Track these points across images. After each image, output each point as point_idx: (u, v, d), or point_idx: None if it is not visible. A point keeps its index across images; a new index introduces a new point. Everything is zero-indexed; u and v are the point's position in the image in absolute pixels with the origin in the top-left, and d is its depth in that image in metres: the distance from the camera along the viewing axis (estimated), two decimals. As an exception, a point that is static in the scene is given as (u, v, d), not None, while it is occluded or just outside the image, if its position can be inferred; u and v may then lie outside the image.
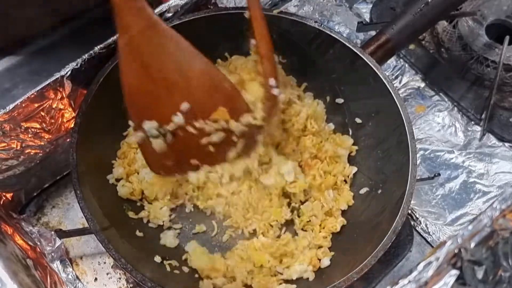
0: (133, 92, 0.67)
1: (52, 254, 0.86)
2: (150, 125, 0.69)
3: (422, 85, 1.11)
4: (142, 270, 0.70)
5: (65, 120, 0.84)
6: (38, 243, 0.85)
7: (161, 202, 0.87)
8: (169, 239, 0.85)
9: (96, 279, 0.88)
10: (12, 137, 0.78)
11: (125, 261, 0.70)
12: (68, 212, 0.94)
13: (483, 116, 1.03)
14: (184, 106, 0.67)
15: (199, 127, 0.69)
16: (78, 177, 0.75)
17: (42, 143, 0.83)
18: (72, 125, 0.81)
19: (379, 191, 0.83)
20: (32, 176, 0.89)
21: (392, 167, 0.81)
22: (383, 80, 0.80)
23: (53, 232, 0.86)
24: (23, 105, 0.75)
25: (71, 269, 0.87)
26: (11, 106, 0.74)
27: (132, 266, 0.69)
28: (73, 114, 0.84)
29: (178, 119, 0.69)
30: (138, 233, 0.85)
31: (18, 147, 0.81)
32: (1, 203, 0.85)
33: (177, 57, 0.65)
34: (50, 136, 0.84)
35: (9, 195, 0.86)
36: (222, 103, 0.68)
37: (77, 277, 0.87)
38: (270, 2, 1.20)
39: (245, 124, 0.70)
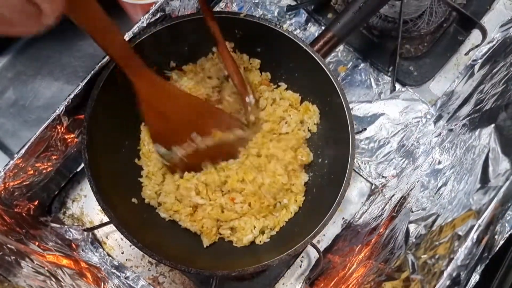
0: (155, 129, 0.92)
1: (84, 242, 1.01)
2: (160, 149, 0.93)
3: (342, 47, 1.22)
4: (160, 252, 0.84)
5: (68, 141, 0.95)
6: (70, 237, 1.00)
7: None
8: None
9: (122, 252, 1.05)
10: (29, 169, 0.88)
11: (142, 245, 0.83)
12: (86, 202, 1.07)
13: (391, 68, 1.18)
14: (193, 135, 0.92)
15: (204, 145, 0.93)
16: (92, 174, 0.85)
17: (53, 162, 0.95)
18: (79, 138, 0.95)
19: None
20: (51, 183, 1.00)
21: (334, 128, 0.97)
22: (326, 71, 0.94)
23: (80, 226, 1.03)
24: (32, 146, 0.84)
25: (101, 249, 1.03)
26: (22, 151, 0.83)
27: (152, 251, 0.83)
28: (73, 135, 0.95)
29: (189, 145, 0.93)
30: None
31: (36, 173, 0.91)
32: (31, 212, 0.96)
33: (179, 103, 0.89)
34: (58, 156, 0.95)
35: (35, 203, 0.98)
36: (217, 125, 0.92)
37: (108, 254, 1.03)
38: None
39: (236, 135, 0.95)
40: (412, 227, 0.75)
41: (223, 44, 0.90)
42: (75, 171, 1.06)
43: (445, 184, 0.79)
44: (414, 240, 0.71)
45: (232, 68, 0.92)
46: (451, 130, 0.95)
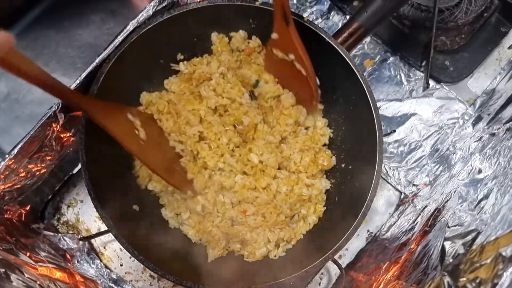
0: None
1: (79, 252, 1.00)
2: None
3: (368, 39, 1.19)
4: (163, 266, 0.84)
5: (63, 141, 0.95)
6: (64, 247, 0.99)
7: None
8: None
9: (121, 264, 1.04)
10: (21, 171, 0.88)
11: (143, 258, 0.83)
12: (83, 208, 1.07)
13: (424, 63, 1.15)
14: None
15: None
16: (90, 177, 0.84)
17: (47, 164, 0.95)
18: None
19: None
20: (44, 186, 1.01)
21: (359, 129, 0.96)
22: (351, 65, 0.92)
23: (75, 235, 1.02)
24: (25, 146, 0.84)
25: (98, 261, 1.02)
26: (15, 150, 0.83)
27: (154, 264, 0.84)
28: (69, 134, 0.95)
29: None
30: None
31: (28, 175, 0.91)
32: (23, 219, 0.96)
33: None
34: (53, 157, 0.95)
35: (27, 208, 0.98)
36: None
37: (106, 266, 1.03)
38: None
39: None
40: (448, 244, 0.73)
41: (291, 21, 0.87)
42: (70, 173, 1.06)
43: (486, 196, 0.77)
44: (451, 260, 0.69)
45: (303, 50, 0.89)
46: (493, 134, 0.93)
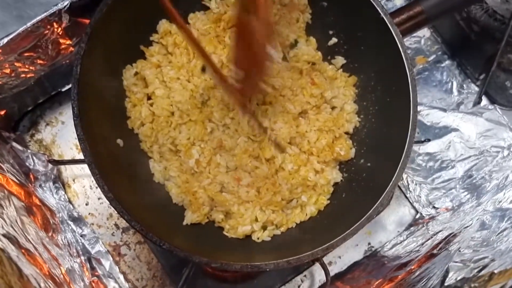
0: None
1: (45, 176, 1.00)
2: None
3: (428, 34, 1.19)
4: (133, 213, 0.82)
5: (61, 47, 0.95)
6: (30, 165, 0.99)
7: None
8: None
9: (87, 203, 1.06)
10: (6, 66, 0.89)
11: (112, 197, 0.81)
12: (62, 130, 1.08)
13: (482, 76, 1.14)
14: None
15: None
16: (79, 92, 0.83)
17: (37, 68, 0.95)
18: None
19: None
20: (27, 94, 1.01)
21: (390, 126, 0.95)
22: (401, 52, 0.91)
23: (46, 156, 1.01)
24: (18, 39, 0.86)
25: (63, 192, 1.02)
26: (5, 40, 0.84)
27: (123, 207, 0.81)
28: (69, 42, 0.95)
29: None
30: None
31: (13, 74, 0.92)
32: None
33: None
34: (45, 62, 0.95)
35: (2, 112, 0.99)
36: None
37: (69, 201, 1.04)
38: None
39: None
40: (454, 267, 0.72)
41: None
42: (59, 90, 1.06)
43: (511, 228, 0.76)
44: (452, 282, 0.68)
45: None
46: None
